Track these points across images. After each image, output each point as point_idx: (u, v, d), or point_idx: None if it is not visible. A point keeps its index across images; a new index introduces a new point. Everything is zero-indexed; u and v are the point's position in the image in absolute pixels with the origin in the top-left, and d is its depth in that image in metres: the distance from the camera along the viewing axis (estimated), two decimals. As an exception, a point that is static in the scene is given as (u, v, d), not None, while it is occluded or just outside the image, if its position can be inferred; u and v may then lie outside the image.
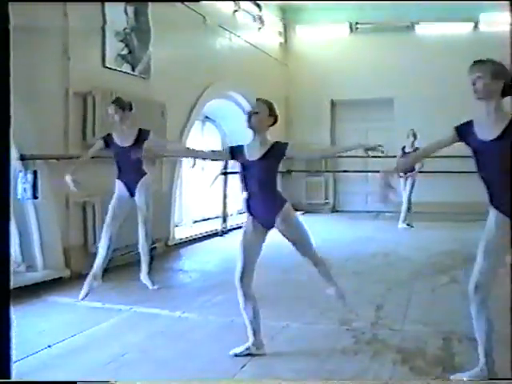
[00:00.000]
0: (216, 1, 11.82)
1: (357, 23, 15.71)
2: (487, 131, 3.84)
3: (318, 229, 12.31)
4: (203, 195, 12.33)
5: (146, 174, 6.70)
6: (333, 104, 16.08)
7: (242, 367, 4.24)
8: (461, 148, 13.57)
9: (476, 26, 15.09)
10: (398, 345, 4.71)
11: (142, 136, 6.57)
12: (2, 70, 2.64)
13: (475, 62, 3.90)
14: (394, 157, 12.40)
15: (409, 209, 12.35)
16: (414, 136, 12.29)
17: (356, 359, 4.41)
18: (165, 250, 9.38)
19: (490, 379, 3.87)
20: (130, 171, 6.55)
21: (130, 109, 6.69)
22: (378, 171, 12.89)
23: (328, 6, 15.05)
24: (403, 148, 12.30)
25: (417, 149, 12.27)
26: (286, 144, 4.46)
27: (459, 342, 4.75)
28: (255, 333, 4.50)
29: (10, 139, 2.75)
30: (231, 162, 11.91)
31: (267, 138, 4.46)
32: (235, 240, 10.78)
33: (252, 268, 4.55)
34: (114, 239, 6.41)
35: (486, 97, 3.85)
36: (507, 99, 3.89)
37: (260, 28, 14.11)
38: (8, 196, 2.68)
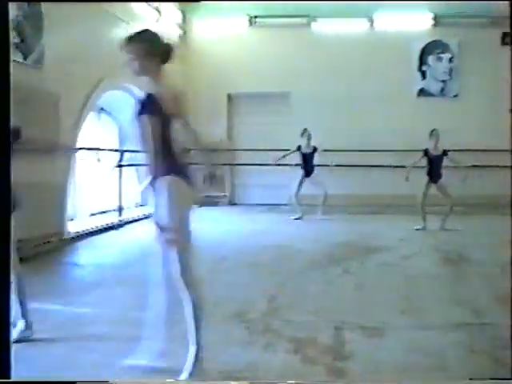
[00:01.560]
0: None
1: (256, 17, 15.80)
2: None
3: (215, 222, 12.40)
4: (99, 187, 12.14)
5: None
6: (230, 97, 16.13)
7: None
8: (367, 142, 13.63)
9: (372, 25, 15.50)
10: (291, 335, 4.79)
11: None
12: (2, 68, 2.62)
13: (127, 40, 4.02)
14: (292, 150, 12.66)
15: (298, 201, 12.62)
16: (309, 137, 12.58)
17: (249, 350, 4.46)
18: (59, 244, 9.16)
19: (491, 379, 3.96)
20: None
21: None
22: (276, 164, 13.14)
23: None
24: (299, 146, 12.56)
25: (315, 149, 12.59)
26: None
27: (350, 331, 4.90)
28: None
29: (9, 134, 2.75)
30: (127, 155, 11.89)
31: None
32: (131, 233, 10.71)
33: None
34: None
35: (141, 74, 3.94)
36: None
37: (158, 19, 13.96)
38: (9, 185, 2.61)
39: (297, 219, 12.44)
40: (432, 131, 10.98)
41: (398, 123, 14.78)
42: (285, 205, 14.02)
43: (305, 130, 12.68)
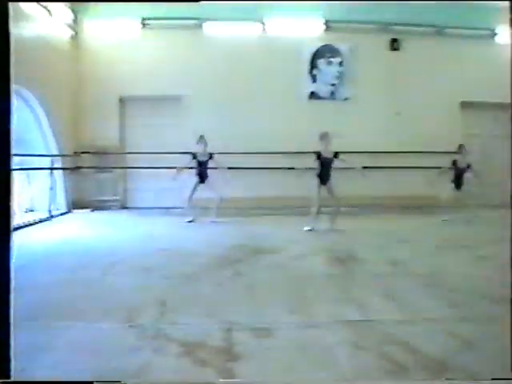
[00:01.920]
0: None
1: (148, 19, 15.57)
2: None
3: (107, 226, 12.23)
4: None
5: None
6: (122, 100, 15.91)
7: (22, 370, 4.11)
8: (260, 144, 13.71)
9: (264, 29, 15.62)
10: (182, 338, 4.82)
11: None
12: (3, 69, 2.77)
13: None
14: (185, 153, 12.64)
15: (191, 205, 12.60)
16: (205, 144, 12.54)
17: (139, 355, 4.45)
18: None
19: (492, 379, 4.04)
20: None
21: None
22: (169, 167, 12.99)
23: (119, -1, 14.95)
24: (194, 154, 12.53)
25: (211, 156, 12.53)
26: None
27: (241, 332, 4.97)
28: None
29: (11, 134, 2.89)
30: (17, 159, 11.54)
31: None
32: (18, 239, 10.36)
33: None
34: None
35: None
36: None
37: (48, 19, 13.60)
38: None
39: (190, 222, 12.46)
40: (323, 134, 11.17)
41: (291, 126, 15.05)
42: (178, 208, 13.99)
43: (201, 137, 12.63)
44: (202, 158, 12.61)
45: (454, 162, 12.86)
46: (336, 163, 11.21)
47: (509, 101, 16.67)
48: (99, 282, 6.99)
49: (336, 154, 11.17)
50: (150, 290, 6.51)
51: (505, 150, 13.25)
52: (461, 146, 12.96)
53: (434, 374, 4.18)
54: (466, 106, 16.01)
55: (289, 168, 14.01)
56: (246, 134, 14.97)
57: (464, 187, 12.82)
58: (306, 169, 11.22)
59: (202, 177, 12.65)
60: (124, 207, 15.74)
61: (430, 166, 15.02)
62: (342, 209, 11.24)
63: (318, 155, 11.12)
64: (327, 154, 11.15)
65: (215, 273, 7.42)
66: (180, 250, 9.17)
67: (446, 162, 13.47)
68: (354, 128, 15.03)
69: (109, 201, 15.52)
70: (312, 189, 11.17)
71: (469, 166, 12.77)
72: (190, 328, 5.11)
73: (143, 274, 7.40)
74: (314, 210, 11.15)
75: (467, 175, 12.79)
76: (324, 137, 11.16)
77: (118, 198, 15.72)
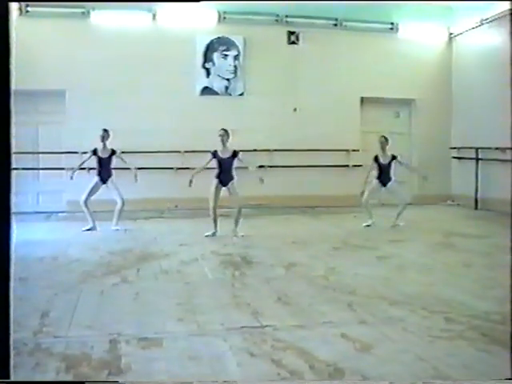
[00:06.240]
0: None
1: (27, 5, 14.88)
2: None
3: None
4: None
5: None
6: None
7: None
8: (149, 142, 13.55)
9: (154, 19, 15.38)
10: (63, 352, 4.77)
11: None
12: (3, 69, 2.77)
13: None
14: (69, 153, 12.33)
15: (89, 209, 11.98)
16: (107, 137, 12.00)
17: (15, 373, 4.35)
18: None
19: (490, 379, 4.09)
20: None
21: None
22: (51, 168, 12.69)
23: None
24: (95, 150, 11.93)
25: (113, 152, 11.96)
26: None
27: (126, 343, 4.97)
28: None
29: (11, 137, 2.77)
30: None
31: None
32: None
33: None
34: None
35: None
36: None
37: None
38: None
39: (88, 230, 11.77)
40: (221, 132, 10.93)
41: (181, 123, 14.83)
42: (62, 212, 13.76)
43: (105, 131, 12.04)
44: (103, 155, 11.96)
45: (376, 158, 12.30)
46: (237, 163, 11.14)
47: (409, 96, 17.30)
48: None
49: (235, 153, 11.07)
50: (29, 301, 6.35)
51: (402, 147, 13.60)
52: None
53: (330, 379, 4.31)
54: (366, 101, 16.41)
55: (180, 168, 14.07)
56: (135, 130, 14.61)
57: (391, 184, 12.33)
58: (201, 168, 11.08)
59: (103, 177, 11.91)
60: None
61: (329, 164, 15.41)
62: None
63: (214, 154, 10.99)
64: (225, 154, 11.02)
65: (99, 280, 7.36)
66: (60, 257, 9.01)
67: (343, 160, 13.72)
68: (250, 125, 15.05)
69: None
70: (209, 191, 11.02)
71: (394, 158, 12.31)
72: (72, 341, 5.06)
73: (20, 284, 7.15)
74: (210, 213, 11.03)
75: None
76: (222, 135, 10.99)
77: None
